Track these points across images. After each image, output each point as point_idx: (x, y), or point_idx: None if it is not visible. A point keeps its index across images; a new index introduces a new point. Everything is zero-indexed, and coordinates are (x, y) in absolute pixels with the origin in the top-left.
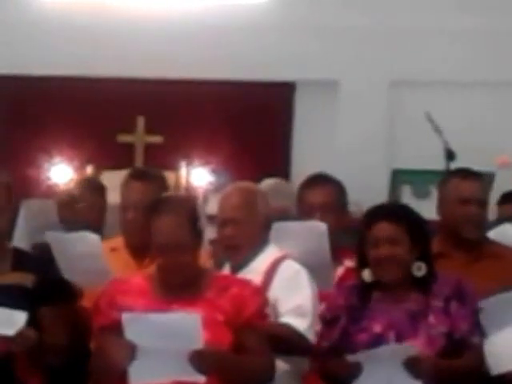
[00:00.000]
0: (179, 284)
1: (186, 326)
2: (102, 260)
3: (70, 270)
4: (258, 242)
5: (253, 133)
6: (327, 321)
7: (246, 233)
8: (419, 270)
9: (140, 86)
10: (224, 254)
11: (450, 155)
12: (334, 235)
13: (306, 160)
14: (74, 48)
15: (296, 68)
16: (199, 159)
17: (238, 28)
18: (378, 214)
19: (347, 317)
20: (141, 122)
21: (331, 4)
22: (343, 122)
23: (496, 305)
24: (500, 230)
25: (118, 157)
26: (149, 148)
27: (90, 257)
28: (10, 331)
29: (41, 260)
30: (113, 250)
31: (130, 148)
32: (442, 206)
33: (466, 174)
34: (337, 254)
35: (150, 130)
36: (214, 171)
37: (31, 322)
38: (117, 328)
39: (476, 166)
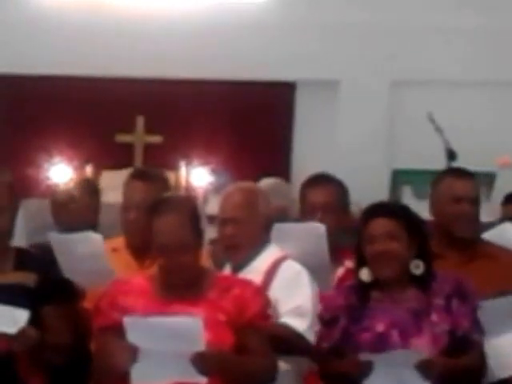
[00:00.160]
0: (181, 284)
1: (187, 330)
2: (104, 260)
3: (72, 271)
4: (259, 242)
5: (253, 133)
6: (326, 321)
7: (246, 232)
8: (417, 268)
9: (139, 86)
10: (224, 254)
11: (451, 155)
12: (335, 235)
13: (306, 160)
14: (73, 47)
15: (296, 68)
16: (199, 159)
17: (238, 27)
18: (375, 210)
19: (347, 317)
20: (140, 121)
21: (331, 4)
22: (344, 122)
23: (494, 309)
24: (500, 229)
25: (117, 157)
26: (148, 148)
27: (93, 257)
28: (12, 329)
29: (43, 260)
30: (114, 250)
31: (129, 148)
32: (435, 205)
33: (458, 173)
34: (337, 255)
35: (149, 130)
36: (213, 171)
37: (33, 321)
38: (118, 329)
39: (477, 167)
